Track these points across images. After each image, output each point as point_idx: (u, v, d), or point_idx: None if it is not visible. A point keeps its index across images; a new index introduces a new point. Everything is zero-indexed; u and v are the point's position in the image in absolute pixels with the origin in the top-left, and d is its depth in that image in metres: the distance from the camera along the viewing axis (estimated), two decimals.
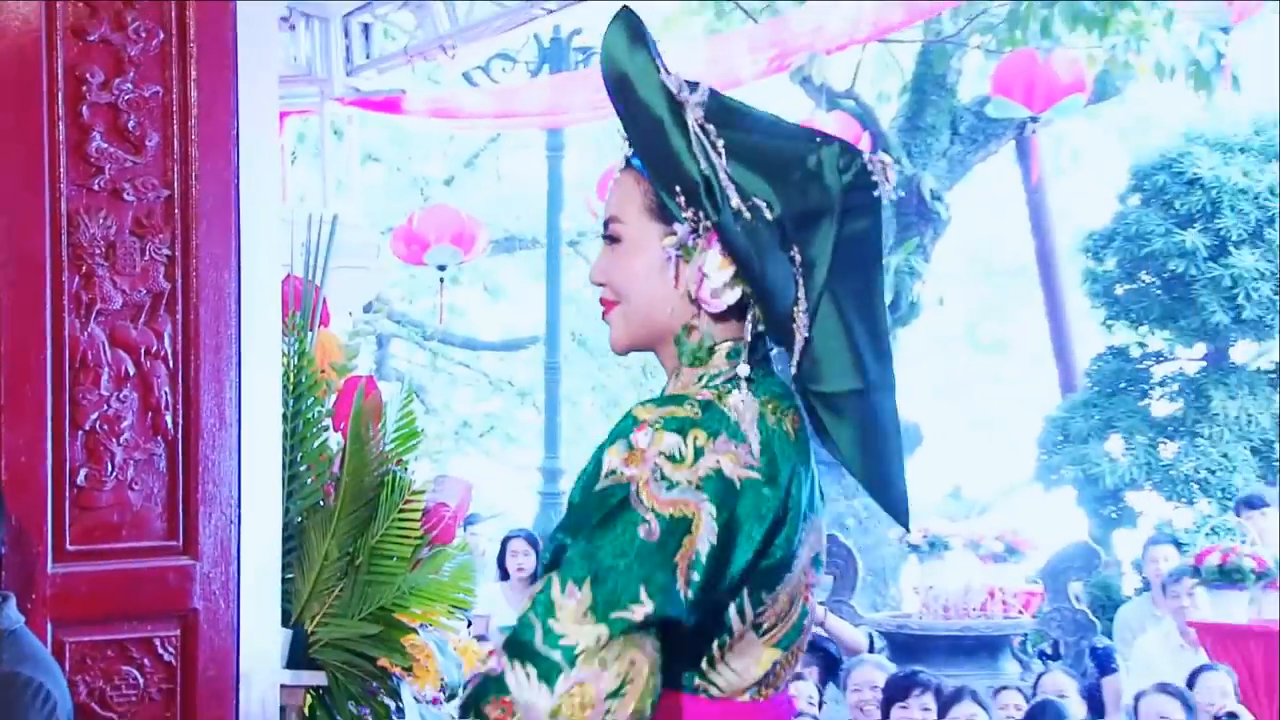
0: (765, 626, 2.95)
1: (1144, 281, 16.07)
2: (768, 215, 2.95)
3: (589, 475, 2.86)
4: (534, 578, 9.44)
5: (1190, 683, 8.38)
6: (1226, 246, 15.46)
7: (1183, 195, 15.75)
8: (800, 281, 2.99)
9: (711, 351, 3.01)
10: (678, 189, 2.96)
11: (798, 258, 2.98)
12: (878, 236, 3.13)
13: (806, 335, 2.99)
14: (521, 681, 2.68)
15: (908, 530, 3.54)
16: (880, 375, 3.08)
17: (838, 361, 3.02)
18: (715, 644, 2.90)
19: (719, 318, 2.99)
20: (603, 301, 3.07)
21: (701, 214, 2.94)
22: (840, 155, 3.02)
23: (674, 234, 2.98)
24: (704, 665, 2.91)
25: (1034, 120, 12.54)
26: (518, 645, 2.71)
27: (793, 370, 3.01)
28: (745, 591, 2.89)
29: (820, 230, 3.00)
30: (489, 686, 2.76)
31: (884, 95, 17.08)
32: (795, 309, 2.98)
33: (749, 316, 2.99)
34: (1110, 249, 16.35)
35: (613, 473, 2.80)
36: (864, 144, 14.10)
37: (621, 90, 3.03)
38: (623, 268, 3.03)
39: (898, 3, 11.42)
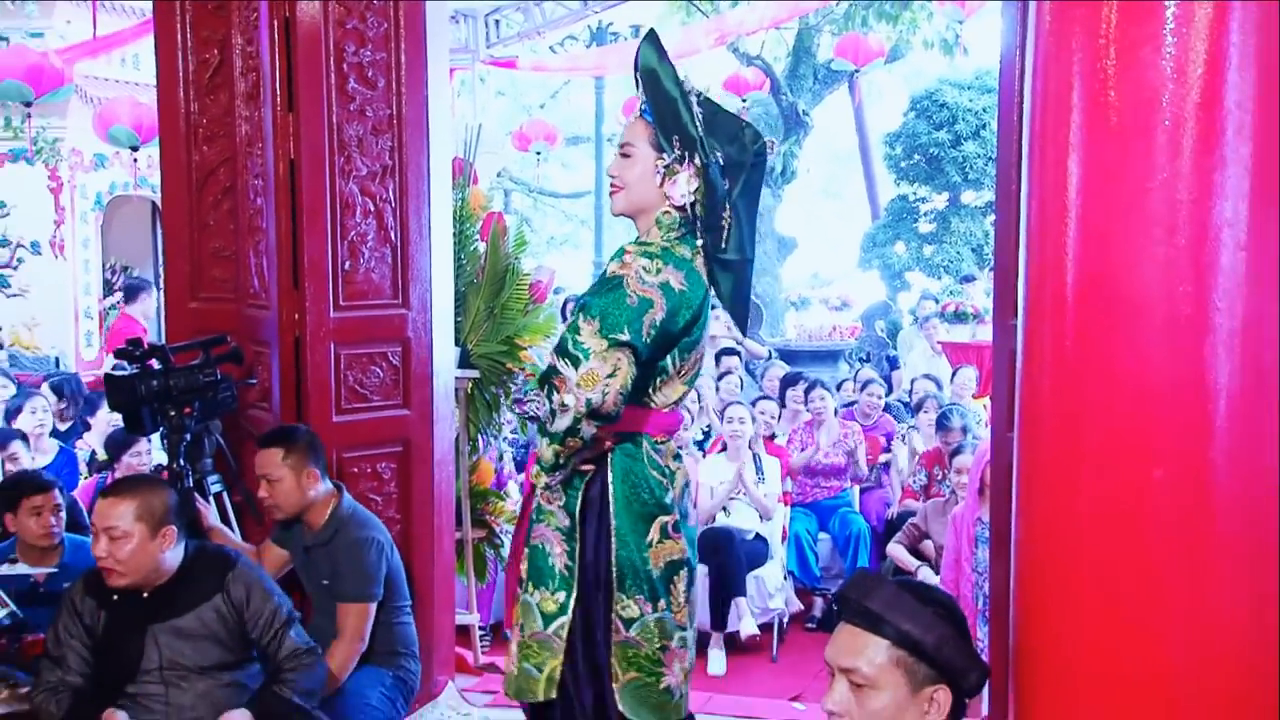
0: (683, 371, 3.11)
1: (916, 159, 15.89)
2: (721, 161, 3.06)
3: (601, 274, 3.05)
4: None
5: (953, 376, 8.41)
6: (960, 140, 15.36)
7: (937, 112, 15.60)
8: (728, 197, 3.09)
9: (673, 225, 3.08)
10: (676, 139, 3.03)
11: (729, 186, 3.10)
12: (761, 180, 3.21)
13: (727, 226, 3.09)
14: (561, 366, 2.87)
15: (744, 333, 3.62)
16: (751, 253, 3.20)
17: (737, 241, 3.13)
18: (658, 379, 3.06)
19: (679, 209, 3.08)
20: (613, 185, 3.13)
21: (688, 154, 3.03)
22: (754, 135, 3.13)
23: (663, 159, 3.06)
24: (650, 390, 3.07)
25: (857, 71, 12.32)
26: (560, 348, 2.91)
27: (722, 245, 3.10)
28: (676, 351, 3.05)
29: (740, 171, 3.11)
30: (551, 370, 2.93)
31: (777, 58, 16.64)
32: (725, 212, 3.08)
33: (697, 210, 3.07)
34: (898, 142, 16.17)
35: (614, 274, 2.98)
36: (766, 88, 13.89)
37: (651, 79, 3.07)
38: (630, 171, 3.10)
39: (785, 4, 11.14)
